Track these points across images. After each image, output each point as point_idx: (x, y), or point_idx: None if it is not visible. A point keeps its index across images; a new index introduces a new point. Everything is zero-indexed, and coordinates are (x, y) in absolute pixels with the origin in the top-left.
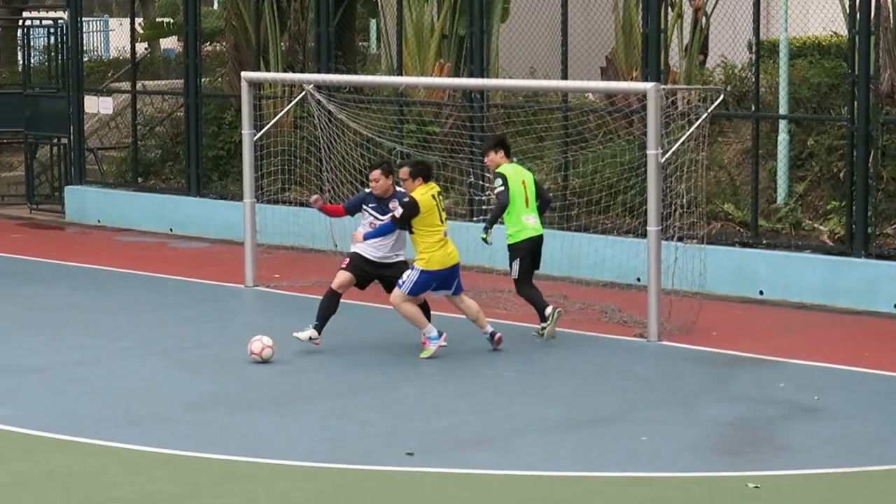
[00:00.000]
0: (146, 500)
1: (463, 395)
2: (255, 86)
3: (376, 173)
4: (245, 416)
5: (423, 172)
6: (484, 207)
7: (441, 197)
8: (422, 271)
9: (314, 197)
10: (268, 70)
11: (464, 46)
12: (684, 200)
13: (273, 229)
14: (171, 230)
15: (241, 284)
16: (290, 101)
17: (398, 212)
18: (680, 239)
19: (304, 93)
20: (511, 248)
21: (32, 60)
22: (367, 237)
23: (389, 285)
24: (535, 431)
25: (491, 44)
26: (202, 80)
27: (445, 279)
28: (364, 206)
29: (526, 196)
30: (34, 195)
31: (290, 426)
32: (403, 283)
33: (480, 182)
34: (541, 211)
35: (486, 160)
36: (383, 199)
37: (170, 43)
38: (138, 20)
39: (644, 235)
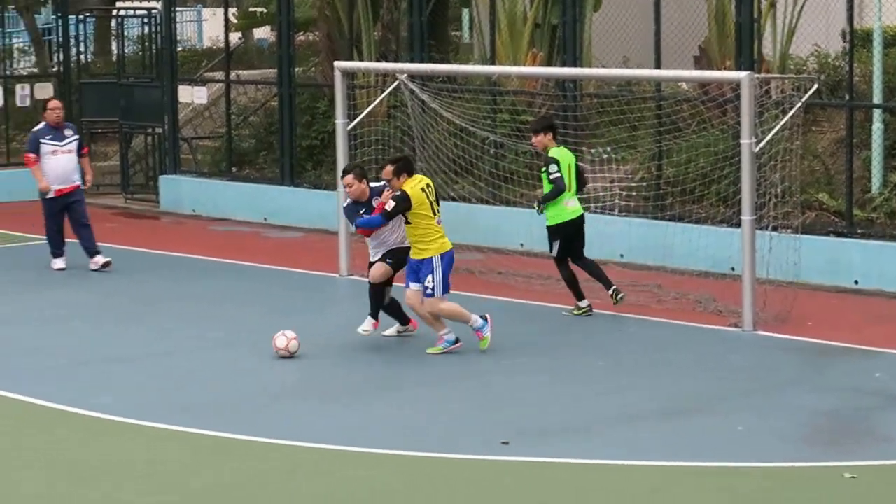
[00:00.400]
0: (235, 488)
1: (554, 384)
2: (349, 75)
3: (348, 178)
4: (332, 406)
5: (405, 167)
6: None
7: (431, 188)
8: (440, 259)
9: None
10: (361, 59)
11: (556, 36)
12: (778, 190)
13: None
14: (265, 219)
15: (335, 274)
16: (384, 91)
17: (389, 205)
18: (774, 228)
19: (397, 82)
20: (551, 229)
21: (126, 50)
22: (358, 225)
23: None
24: (629, 421)
25: (584, 33)
26: (295, 69)
27: (451, 265)
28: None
29: (570, 181)
30: (129, 184)
31: (379, 415)
32: (432, 288)
33: None
34: (577, 190)
35: (533, 140)
36: (363, 203)
37: (263, 32)
38: (232, 10)
39: (738, 225)
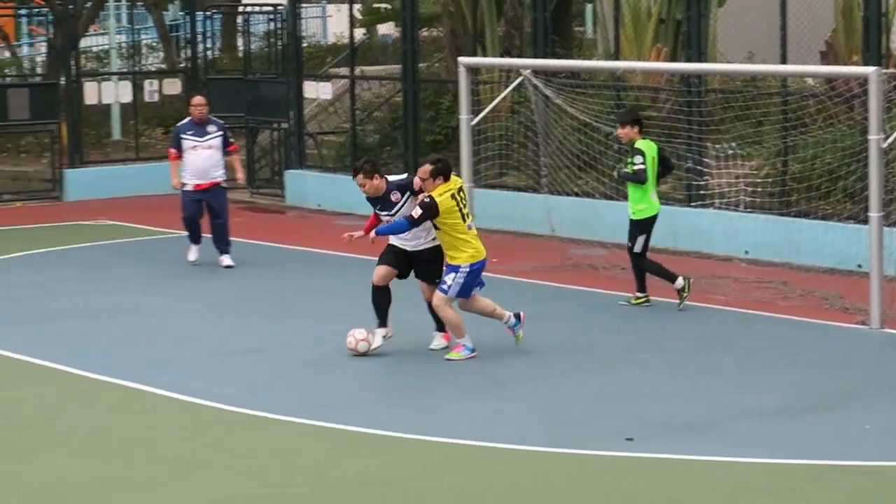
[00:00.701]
0: (365, 482)
1: (679, 380)
2: (473, 71)
3: (359, 178)
4: (464, 400)
5: (443, 171)
6: (701, 192)
7: (463, 193)
8: (468, 270)
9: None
10: (484, 55)
11: (681, 31)
12: None
13: (490, 213)
14: None
15: None
16: (508, 86)
17: (416, 212)
18: None
19: (521, 78)
20: (639, 223)
21: (252, 46)
22: (378, 232)
23: (423, 274)
24: (754, 418)
25: (708, 28)
26: (419, 65)
27: (480, 274)
28: (376, 212)
29: (652, 174)
30: (255, 179)
31: (507, 410)
32: (448, 287)
33: (698, 167)
34: (661, 175)
35: (619, 132)
36: (380, 198)
37: (387, 28)
38: (356, 6)
39: (865, 221)
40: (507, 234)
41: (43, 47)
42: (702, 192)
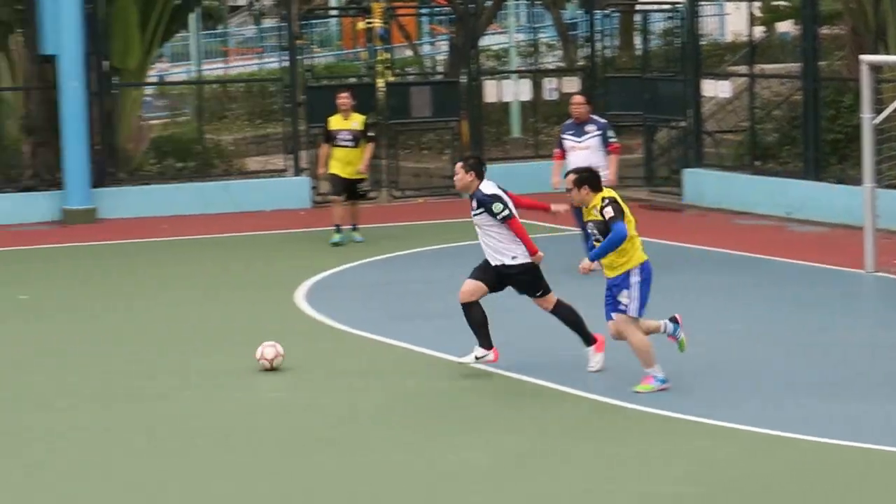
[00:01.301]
0: (755, 482)
1: None
2: (875, 69)
3: (458, 166)
4: (833, 401)
5: (588, 181)
6: None
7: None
8: (639, 276)
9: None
10: (887, 53)
11: None
12: None
13: (894, 214)
14: (787, 214)
15: (860, 270)
16: None
17: (608, 213)
18: None
19: None
20: None
21: (651, 45)
22: (593, 258)
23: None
24: None
25: None
26: (820, 63)
27: (650, 281)
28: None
29: None
30: (653, 177)
31: (874, 411)
32: (627, 304)
33: None
34: None
35: None
36: (470, 195)
37: (786, 26)
38: (755, 4)
39: None
40: None
41: (443, 46)
42: None
